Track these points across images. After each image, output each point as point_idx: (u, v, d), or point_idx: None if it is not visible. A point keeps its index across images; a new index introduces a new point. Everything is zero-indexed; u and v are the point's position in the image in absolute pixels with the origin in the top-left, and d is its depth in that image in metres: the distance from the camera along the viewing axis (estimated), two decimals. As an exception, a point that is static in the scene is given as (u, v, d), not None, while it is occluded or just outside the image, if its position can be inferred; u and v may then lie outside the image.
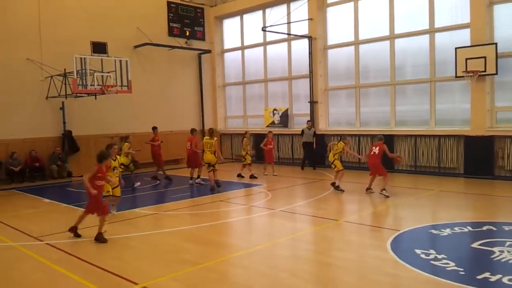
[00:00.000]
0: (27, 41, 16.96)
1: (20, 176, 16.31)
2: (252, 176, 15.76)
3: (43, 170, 16.85)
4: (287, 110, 20.44)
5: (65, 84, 16.14)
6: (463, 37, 14.75)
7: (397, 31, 16.69)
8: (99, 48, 15.58)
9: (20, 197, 13.68)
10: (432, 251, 6.95)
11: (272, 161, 16.87)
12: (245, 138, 16.43)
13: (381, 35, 17.16)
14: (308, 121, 18.44)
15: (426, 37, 15.91)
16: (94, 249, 7.95)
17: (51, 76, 16.73)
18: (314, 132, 17.97)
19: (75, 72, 15.04)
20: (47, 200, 12.84)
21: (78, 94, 16.27)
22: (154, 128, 15.95)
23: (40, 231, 9.16)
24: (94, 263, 6.96)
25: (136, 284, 6.06)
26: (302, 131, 17.83)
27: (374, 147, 12.18)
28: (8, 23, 16.52)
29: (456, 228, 8.31)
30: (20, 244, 8.29)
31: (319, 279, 6.30)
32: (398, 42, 16.76)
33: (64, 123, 17.59)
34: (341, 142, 12.94)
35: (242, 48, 22.66)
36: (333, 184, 12.86)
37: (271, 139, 16.75)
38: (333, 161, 12.95)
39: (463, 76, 14.32)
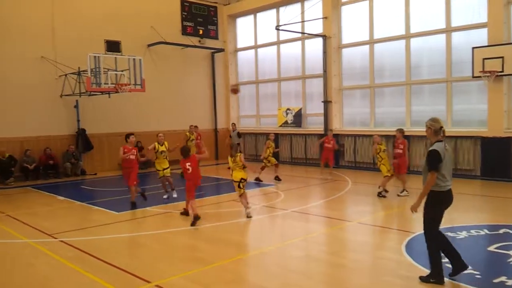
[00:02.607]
0: (42, 40, 17.10)
1: (34, 173, 16.46)
2: (262, 178, 14.95)
3: (57, 168, 16.99)
4: (300, 109, 20.35)
5: (79, 82, 16.26)
6: (480, 37, 14.52)
7: (413, 30, 16.50)
8: (113, 46, 15.64)
9: (34, 195, 13.79)
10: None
11: (330, 163, 15.47)
12: (268, 140, 15.43)
13: (396, 34, 16.98)
14: (232, 123, 19.70)
15: (443, 37, 15.70)
16: (108, 247, 7.97)
17: (66, 75, 16.86)
18: (238, 132, 18.68)
19: (89, 70, 15.12)
20: (61, 198, 12.93)
21: (92, 93, 16.37)
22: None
23: (54, 228, 9.22)
24: (107, 261, 6.98)
25: (149, 282, 6.05)
26: (230, 135, 18.03)
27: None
28: (23, 21, 16.66)
29: (472, 231, 8.18)
30: (34, 241, 8.35)
31: (332, 281, 6.23)
32: (414, 41, 16.57)
33: (78, 121, 17.72)
34: (382, 143, 12.19)
35: (256, 47, 22.61)
36: (379, 194, 11.92)
37: (330, 138, 15.42)
38: (379, 166, 12.23)
39: (480, 76, 14.09)
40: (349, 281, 6.20)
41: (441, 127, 5.80)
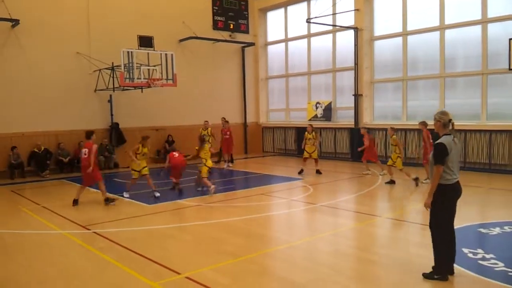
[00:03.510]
0: (77, 36, 17.51)
1: (69, 166, 16.91)
2: (300, 172, 15.13)
3: (91, 161, 17.36)
4: (330, 103, 20.19)
5: (113, 77, 16.58)
6: (518, 28, 14.10)
7: (448, 21, 16.10)
8: (145, 42, 15.87)
9: (69, 187, 14.15)
10: (480, 251, 6.70)
11: (372, 159, 14.94)
12: (306, 132, 15.36)
13: (430, 26, 16.60)
14: (205, 121, 18.33)
15: (478, 28, 15.27)
16: (139, 238, 8.13)
17: (99, 70, 17.21)
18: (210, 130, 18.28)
19: (122, 65, 15.40)
20: (94, 190, 13.23)
21: (125, 87, 16.67)
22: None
23: (88, 220, 9.47)
24: (138, 252, 7.13)
25: (179, 274, 6.16)
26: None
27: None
28: (59, 18, 17.09)
29: (506, 227, 7.98)
30: (69, 232, 8.60)
31: (361, 276, 6.19)
32: (449, 33, 16.16)
33: (112, 115, 18.08)
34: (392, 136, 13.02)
35: (286, 40, 22.53)
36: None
37: (363, 134, 15.00)
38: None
39: (517, 69, 13.70)
40: (379, 276, 6.15)
41: (450, 119, 5.75)
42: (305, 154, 15.32)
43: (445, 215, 5.75)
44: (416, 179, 12.47)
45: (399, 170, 12.88)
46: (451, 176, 5.66)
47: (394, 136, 13.06)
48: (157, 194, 11.81)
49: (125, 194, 12.00)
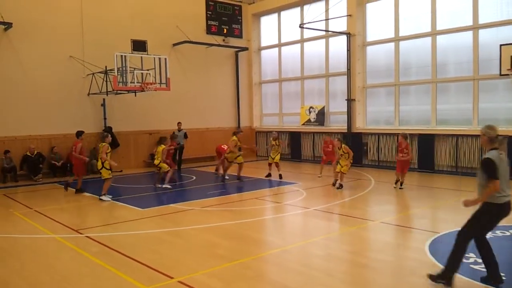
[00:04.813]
0: (70, 39, 17.46)
1: (62, 170, 16.83)
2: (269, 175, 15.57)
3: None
4: (323, 108, 20.27)
5: (106, 81, 16.54)
6: (508, 34, 14.24)
7: (439, 27, 16.26)
8: (139, 46, 15.86)
9: (61, 191, 14.03)
10: (472, 255, 6.73)
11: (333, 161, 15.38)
12: (271, 139, 15.96)
13: (422, 32, 16.75)
14: (178, 122, 18.41)
15: (470, 34, 15.43)
16: (132, 242, 8.12)
17: (93, 74, 17.17)
18: (185, 133, 18.19)
19: (115, 69, 15.37)
20: (87, 194, 13.19)
21: (118, 91, 16.65)
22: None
23: (80, 224, 9.45)
24: (131, 256, 7.11)
25: (172, 278, 6.15)
26: (173, 133, 17.67)
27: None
28: (52, 22, 17.04)
29: (497, 232, 8.02)
30: (61, 236, 8.56)
31: (354, 280, 6.22)
32: (440, 38, 16.32)
33: (105, 119, 18.03)
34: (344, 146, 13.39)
35: (279, 45, 22.62)
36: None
37: (328, 142, 15.74)
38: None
39: (507, 74, 13.81)
40: (372, 280, 6.18)
41: (498, 135, 5.50)
42: (270, 160, 15.63)
43: (479, 229, 5.65)
44: (338, 184, 13.11)
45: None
46: (499, 194, 5.43)
47: (343, 145, 13.54)
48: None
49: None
